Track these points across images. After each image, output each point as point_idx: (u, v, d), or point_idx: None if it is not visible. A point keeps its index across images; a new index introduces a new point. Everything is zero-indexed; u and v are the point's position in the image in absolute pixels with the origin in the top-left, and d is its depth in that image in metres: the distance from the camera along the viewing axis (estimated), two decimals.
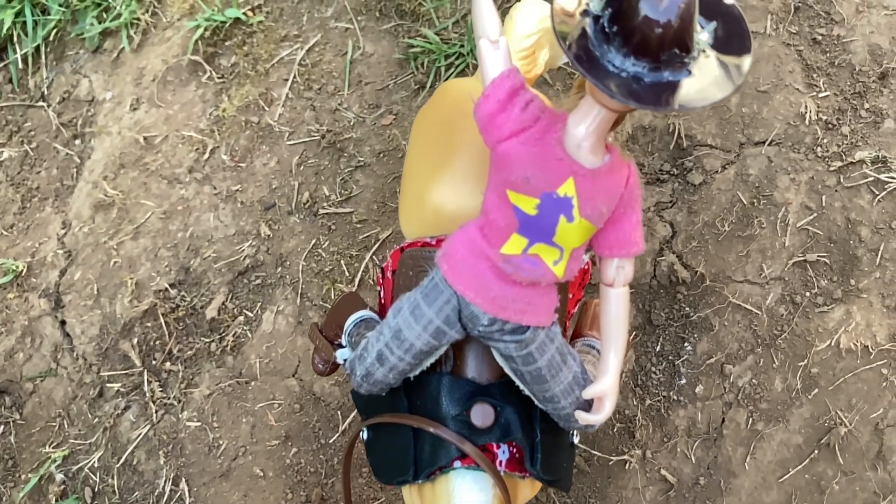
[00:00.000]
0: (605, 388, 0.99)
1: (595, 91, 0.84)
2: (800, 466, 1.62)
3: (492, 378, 1.08)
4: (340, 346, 1.31)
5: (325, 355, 1.33)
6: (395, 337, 1.00)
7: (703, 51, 0.82)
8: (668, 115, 1.80)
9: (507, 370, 1.03)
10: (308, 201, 1.87)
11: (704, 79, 0.80)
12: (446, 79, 1.87)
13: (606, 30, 0.80)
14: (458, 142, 1.17)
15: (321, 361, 1.36)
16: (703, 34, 0.82)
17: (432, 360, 1.04)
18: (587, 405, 1.03)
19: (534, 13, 1.26)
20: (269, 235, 1.86)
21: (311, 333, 1.38)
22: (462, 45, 1.87)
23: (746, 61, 0.83)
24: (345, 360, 1.22)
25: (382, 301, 1.29)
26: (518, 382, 1.04)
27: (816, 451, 1.62)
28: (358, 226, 1.84)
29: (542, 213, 0.90)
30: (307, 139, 1.91)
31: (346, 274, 1.81)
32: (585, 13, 0.82)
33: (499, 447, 1.07)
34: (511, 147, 0.90)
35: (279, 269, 1.84)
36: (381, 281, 1.29)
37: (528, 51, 1.27)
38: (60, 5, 2.10)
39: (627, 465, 1.65)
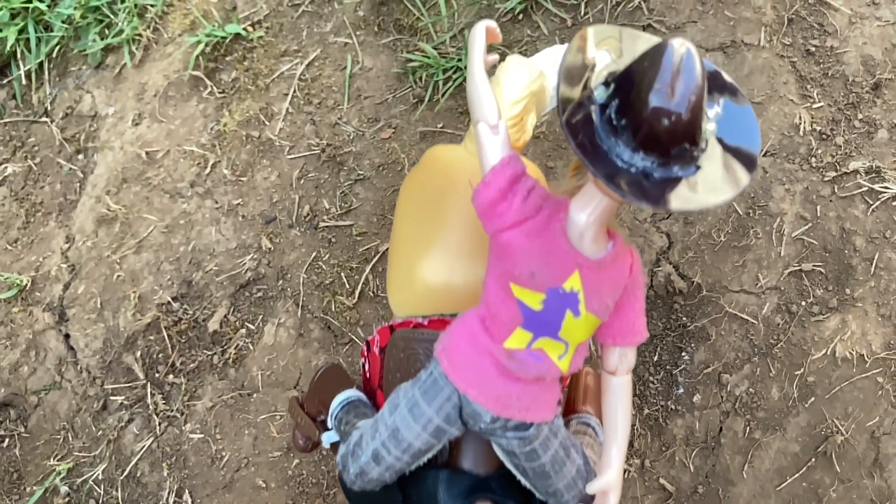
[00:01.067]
0: (609, 482, 0.96)
1: (599, 181, 0.81)
2: (797, 475, 1.63)
3: (490, 469, 1.04)
4: (324, 424, 1.25)
5: (307, 432, 1.27)
6: (393, 436, 0.96)
7: (709, 140, 0.79)
8: None
9: (509, 464, 0.99)
10: (308, 214, 1.89)
11: (714, 171, 0.77)
12: (444, 93, 1.90)
13: (614, 122, 0.77)
14: (448, 213, 1.12)
15: (302, 438, 1.30)
16: (709, 124, 0.80)
17: (430, 455, 1.00)
18: (590, 498, 1.00)
19: (520, 77, 1.21)
20: (270, 248, 1.88)
21: (291, 408, 1.31)
22: (459, 60, 1.90)
23: (756, 146, 0.80)
24: (331, 445, 1.18)
25: (368, 375, 1.24)
26: (519, 476, 1.00)
27: (813, 460, 1.63)
28: (358, 238, 1.86)
29: (548, 309, 0.87)
30: (307, 153, 1.94)
31: (347, 286, 1.83)
32: (590, 99, 0.79)
33: None
34: (513, 238, 0.86)
35: (280, 281, 1.86)
36: (365, 353, 1.24)
37: (517, 118, 1.21)
38: (63, 22, 2.13)
39: (626, 474, 1.67)
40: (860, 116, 1.78)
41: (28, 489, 1.84)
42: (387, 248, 1.84)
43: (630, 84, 0.76)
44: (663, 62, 0.73)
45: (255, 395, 1.80)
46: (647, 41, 0.85)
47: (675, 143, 0.75)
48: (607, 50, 0.84)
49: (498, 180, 0.87)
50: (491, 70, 1.12)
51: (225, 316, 1.86)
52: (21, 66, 2.15)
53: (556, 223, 0.85)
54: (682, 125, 0.74)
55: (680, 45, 0.74)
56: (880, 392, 1.64)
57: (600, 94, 0.78)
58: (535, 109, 1.27)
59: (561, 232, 0.85)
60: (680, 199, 0.76)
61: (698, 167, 0.77)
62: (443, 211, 1.14)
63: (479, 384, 0.90)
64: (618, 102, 0.77)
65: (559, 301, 0.86)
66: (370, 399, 1.27)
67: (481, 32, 0.99)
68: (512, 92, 1.19)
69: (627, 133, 0.75)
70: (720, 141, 0.80)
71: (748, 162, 0.80)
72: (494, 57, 1.09)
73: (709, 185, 0.77)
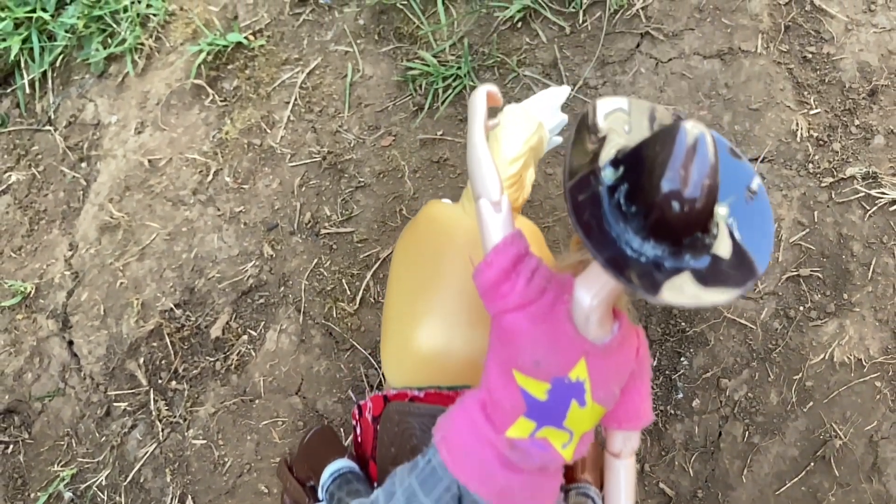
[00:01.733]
0: None
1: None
2: (796, 479, 1.64)
3: None
4: (314, 491, 1.22)
5: (296, 498, 1.24)
6: None
7: (719, 224, 0.75)
8: None
9: None
10: (310, 221, 1.91)
11: (727, 260, 0.74)
12: (444, 101, 1.91)
13: (623, 208, 0.73)
14: (445, 277, 1.08)
15: (291, 502, 1.27)
16: (721, 207, 0.76)
17: None
18: None
19: (519, 133, 1.17)
20: (271, 255, 1.90)
21: (280, 471, 1.27)
22: (459, 68, 1.91)
23: (769, 230, 0.77)
24: None
25: (360, 440, 1.22)
26: None
27: (812, 464, 1.64)
28: (359, 245, 1.87)
29: (553, 399, 0.84)
30: (308, 161, 1.95)
31: (348, 292, 1.84)
32: (596, 177, 0.75)
33: None
34: (516, 322, 0.83)
35: (282, 288, 1.88)
36: (357, 417, 1.21)
37: (515, 177, 1.17)
38: (67, 31, 2.15)
39: None
40: (857, 122, 1.80)
41: (32, 495, 1.86)
42: (387, 255, 1.85)
43: (640, 168, 0.73)
44: (675, 147, 0.70)
45: (257, 401, 1.81)
46: (657, 114, 0.82)
47: (688, 232, 0.72)
48: (615, 123, 0.81)
49: (500, 260, 0.84)
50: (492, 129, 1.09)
51: (227, 322, 1.87)
52: (25, 75, 2.17)
53: (560, 306, 0.82)
54: (696, 213, 0.71)
55: (693, 128, 0.71)
56: (878, 396, 1.65)
57: (609, 176, 0.75)
58: (534, 163, 1.23)
59: (566, 316, 0.82)
60: (686, 294, 0.71)
61: (711, 256, 0.74)
62: (439, 275, 1.10)
63: (481, 476, 0.87)
64: (627, 187, 0.73)
65: (564, 391, 0.83)
66: (362, 468, 1.24)
67: (482, 98, 0.96)
68: (510, 149, 1.15)
69: (637, 220, 0.72)
70: (731, 227, 0.77)
71: (761, 249, 0.77)
72: (495, 122, 1.07)
73: (718, 275, 0.73)
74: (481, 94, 0.97)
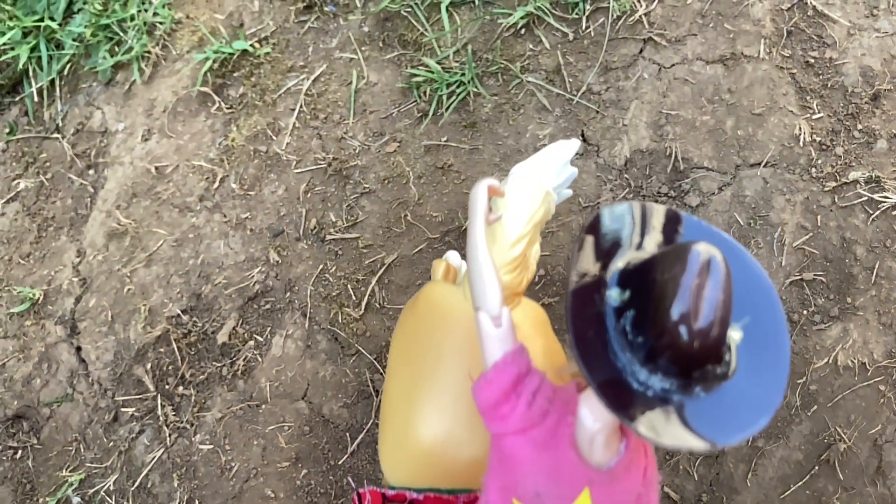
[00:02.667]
0: None
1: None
2: (801, 483, 1.64)
3: None
4: None
5: None
6: None
7: (732, 348, 0.70)
8: (664, 140, 1.84)
9: None
10: (315, 227, 1.92)
11: (739, 393, 0.69)
12: (448, 107, 1.93)
13: (629, 336, 0.69)
14: (444, 372, 1.03)
15: None
16: (735, 331, 0.71)
17: None
18: None
19: (524, 208, 1.10)
20: (277, 261, 1.91)
21: None
22: (463, 74, 1.93)
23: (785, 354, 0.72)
24: None
25: None
26: None
27: (817, 468, 1.65)
28: (364, 251, 1.89)
29: None
30: (314, 167, 1.97)
31: (353, 298, 1.86)
32: (600, 293, 0.70)
33: None
34: (517, 446, 0.79)
35: (288, 294, 1.89)
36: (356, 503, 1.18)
37: (518, 259, 1.10)
38: (74, 40, 2.17)
39: None
40: (860, 127, 1.80)
41: (41, 500, 1.87)
42: (392, 260, 1.86)
43: (648, 294, 0.68)
44: (685, 276, 0.65)
45: (263, 407, 1.83)
46: (668, 223, 0.76)
47: (699, 365, 0.67)
48: (625, 231, 0.76)
49: (501, 380, 0.80)
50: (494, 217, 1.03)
51: (234, 328, 1.88)
52: (33, 83, 2.19)
53: (564, 429, 0.78)
54: (708, 345, 0.65)
55: (704, 251, 0.66)
56: (882, 400, 1.65)
57: (615, 297, 0.71)
58: (539, 237, 1.16)
59: (569, 442, 0.77)
60: (690, 441, 0.65)
61: (722, 388, 0.68)
62: (438, 370, 1.05)
63: None
64: (634, 314, 0.69)
65: None
66: None
67: (483, 193, 0.93)
68: (514, 229, 1.08)
69: (644, 352, 0.67)
70: (745, 349, 0.71)
71: (777, 366, 0.71)
72: (497, 216, 1.03)
73: (729, 405, 0.68)
74: (482, 190, 0.93)
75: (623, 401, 0.66)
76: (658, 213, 0.79)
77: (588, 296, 0.71)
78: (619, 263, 0.74)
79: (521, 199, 1.10)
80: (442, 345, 1.07)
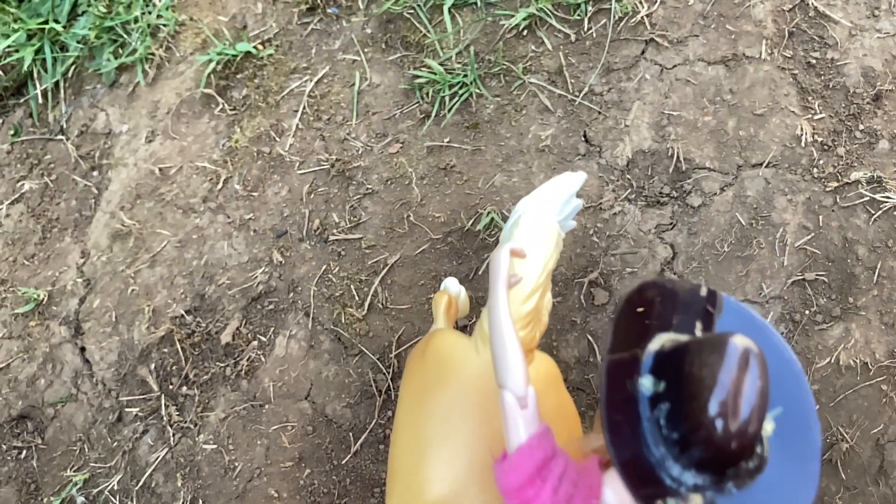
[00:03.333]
0: None
1: None
2: None
3: None
4: None
5: None
6: None
7: (765, 443, 0.69)
8: (666, 140, 1.85)
9: None
10: (318, 228, 1.93)
11: (771, 488, 0.68)
12: (450, 108, 1.93)
13: (664, 430, 0.67)
14: (455, 434, 1.00)
15: None
16: (767, 422, 0.70)
17: None
18: None
19: (537, 256, 1.05)
20: (281, 262, 1.92)
21: None
22: (466, 75, 1.93)
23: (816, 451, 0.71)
24: None
25: None
26: None
27: (819, 467, 1.65)
28: (367, 251, 1.89)
29: None
30: (317, 168, 1.97)
31: (356, 298, 1.86)
32: (637, 365, 0.69)
33: None
34: None
35: (291, 294, 1.90)
36: None
37: (532, 314, 1.06)
38: (78, 42, 2.18)
39: None
40: (861, 127, 1.81)
41: (45, 500, 1.88)
42: (395, 261, 1.87)
43: (684, 388, 0.67)
44: (722, 373, 0.64)
45: (266, 406, 1.83)
46: (703, 302, 0.75)
47: (733, 462, 0.66)
48: (663, 307, 0.74)
49: (526, 464, 0.79)
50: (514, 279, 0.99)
51: (237, 328, 1.89)
52: (37, 85, 2.20)
53: None
54: (745, 443, 0.64)
55: (741, 344, 0.64)
56: (884, 400, 1.66)
57: (648, 386, 0.70)
58: (551, 283, 1.11)
59: None
60: None
61: (755, 482, 0.67)
62: (448, 432, 1.02)
63: None
64: (669, 408, 0.68)
65: None
66: None
67: (505, 261, 0.90)
68: (527, 282, 1.04)
69: (678, 448, 0.66)
70: (776, 439, 0.71)
71: (808, 441, 0.71)
72: (518, 279, 1.00)
73: (762, 502, 0.66)
74: (504, 256, 0.90)
75: (653, 493, 0.66)
76: (694, 290, 0.78)
77: (623, 373, 0.70)
78: (654, 345, 0.73)
79: (535, 247, 1.06)
80: (452, 403, 1.04)
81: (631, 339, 0.73)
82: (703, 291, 0.79)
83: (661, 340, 0.73)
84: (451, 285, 1.72)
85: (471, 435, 1.00)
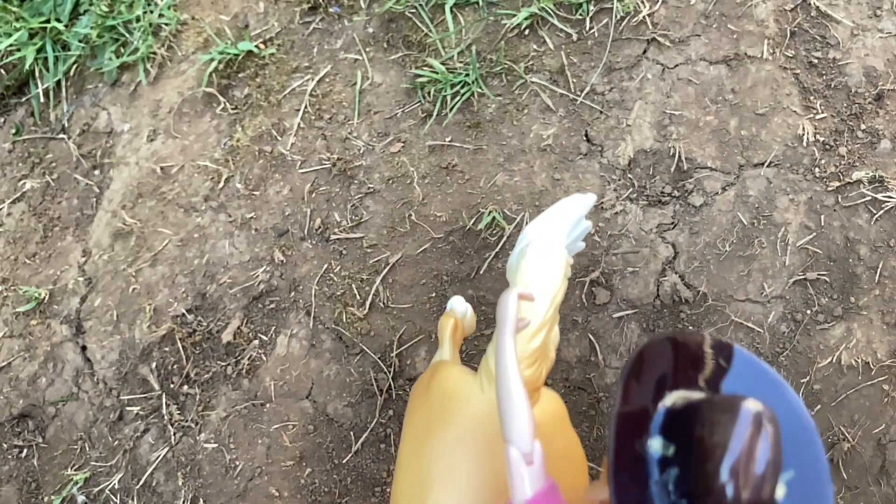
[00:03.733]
0: None
1: None
2: None
3: None
4: None
5: None
6: None
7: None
8: (668, 140, 1.85)
9: None
10: (320, 227, 1.93)
11: None
12: (452, 107, 1.93)
13: (672, 496, 0.66)
14: (458, 478, 0.99)
15: None
16: (779, 487, 0.68)
17: None
18: None
19: (543, 294, 1.02)
20: (282, 261, 1.92)
21: None
22: (467, 75, 1.93)
23: None
24: None
25: None
26: None
27: None
28: (368, 250, 1.89)
29: None
30: (319, 167, 1.97)
31: (358, 297, 1.86)
32: (647, 421, 0.68)
33: None
34: None
35: (293, 293, 1.90)
36: None
37: (539, 351, 1.03)
38: (80, 41, 2.18)
39: None
40: (863, 127, 1.81)
41: (46, 499, 1.88)
42: (397, 260, 1.87)
43: (693, 454, 0.66)
44: (734, 440, 0.63)
45: (268, 406, 1.83)
46: (712, 356, 0.74)
47: None
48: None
49: None
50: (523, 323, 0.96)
51: (238, 327, 1.89)
52: (39, 84, 2.21)
53: None
54: None
55: (754, 410, 0.63)
56: (886, 399, 1.65)
57: (657, 448, 0.69)
58: (558, 315, 1.08)
59: None
60: None
61: None
62: (454, 469, 1.00)
63: None
64: (678, 472, 0.66)
65: None
66: None
67: (513, 306, 0.88)
68: (534, 318, 1.01)
69: None
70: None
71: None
72: (526, 323, 0.97)
73: None
74: (512, 301, 0.88)
75: None
76: (705, 343, 0.77)
77: (632, 431, 0.69)
78: (666, 401, 0.72)
79: (542, 282, 1.03)
80: (457, 442, 1.03)
81: (641, 394, 0.72)
82: (716, 344, 0.78)
83: (673, 398, 0.73)
84: (458, 305, 1.66)
85: (474, 476, 0.99)
